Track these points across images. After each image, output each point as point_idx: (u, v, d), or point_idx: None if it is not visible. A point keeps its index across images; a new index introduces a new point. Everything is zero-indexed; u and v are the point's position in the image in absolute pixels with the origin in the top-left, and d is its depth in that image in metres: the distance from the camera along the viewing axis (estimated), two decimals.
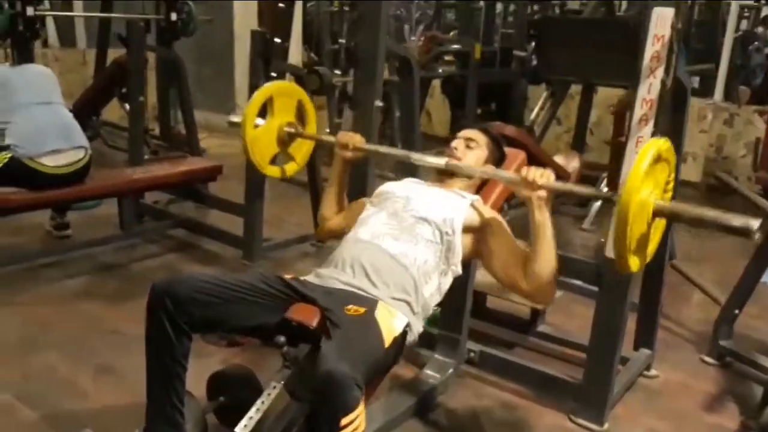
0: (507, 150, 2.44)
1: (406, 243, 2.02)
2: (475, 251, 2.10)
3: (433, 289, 2.05)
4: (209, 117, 6.35)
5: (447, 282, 2.10)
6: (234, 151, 6.36)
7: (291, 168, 2.62)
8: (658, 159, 1.72)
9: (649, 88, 2.15)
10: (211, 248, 3.90)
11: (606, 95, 6.09)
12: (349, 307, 1.84)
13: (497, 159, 2.37)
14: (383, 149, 2.47)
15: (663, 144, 1.74)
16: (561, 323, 3.08)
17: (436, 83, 6.96)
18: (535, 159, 3.33)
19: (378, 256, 2.00)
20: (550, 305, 1.99)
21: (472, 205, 2.14)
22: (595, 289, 3.08)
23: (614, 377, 2.39)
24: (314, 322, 1.86)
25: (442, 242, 2.05)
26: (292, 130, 2.51)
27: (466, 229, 2.07)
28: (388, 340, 1.81)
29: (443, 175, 2.28)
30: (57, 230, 3.92)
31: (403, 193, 2.19)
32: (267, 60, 3.58)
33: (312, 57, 6.71)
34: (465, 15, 6.52)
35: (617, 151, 3.58)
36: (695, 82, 5.76)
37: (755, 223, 1.57)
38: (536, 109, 5.15)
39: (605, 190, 4.04)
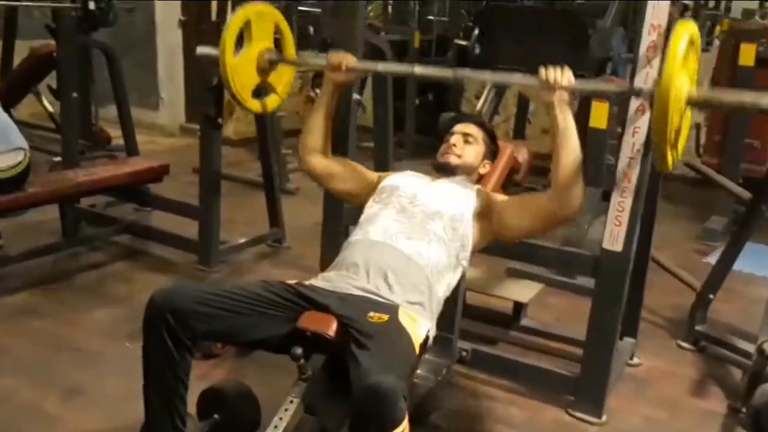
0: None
1: (419, 241, 2.01)
2: (487, 234, 2.12)
3: (445, 287, 2.06)
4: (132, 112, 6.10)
5: (456, 278, 2.10)
6: (161, 149, 6.16)
7: (273, 101, 2.51)
8: (691, 43, 1.74)
9: (645, 79, 2.19)
10: (162, 254, 3.75)
11: None
12: (372, 314, 1.80)
13: (493, 152, 2.39)
14: (381, 66, 2.40)
15: (693, 27, 1.77)
16: (539, 315, 3.14)
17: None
18: None
19: (393, 258, 1.98)
20: (578, 210, 1.98)
21: (477, 192, 2.16)
22: (566, 279, 3.19)
23: (611, 370, 2.44)
24: (331, 331, 1.82)
25: (454, 237, 2.05)
26: (274, 57, 2.41)
27: (476, 217, 2.09)
28: (416, 347, 1.79)
29: (442, 172, 2.28)
30: None
31: (409, 188, 2.17)
32: None
33: None
34: (398, 3, 6.50)
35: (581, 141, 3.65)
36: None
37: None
38: (481, 100, 5.17)
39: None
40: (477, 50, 5.24)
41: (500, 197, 2.15)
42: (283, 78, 2.50)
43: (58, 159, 4.35)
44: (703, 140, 4.85)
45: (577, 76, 5.02)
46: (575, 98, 1.97)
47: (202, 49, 2.63)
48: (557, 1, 5.67)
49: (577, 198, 1.94)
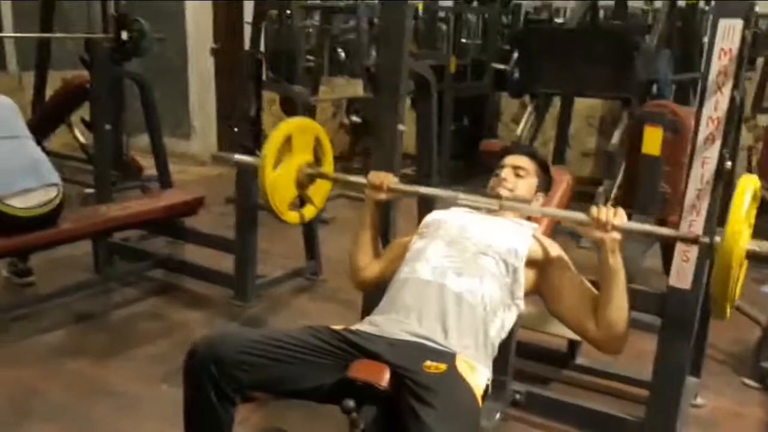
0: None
1: (471, 278, 1.90)
2: (536, 286, 2.01)
3: (498, 327, 1.94)
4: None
5: (511, 318, 1.99)
6: (192, 178, 6.14)
7: (309, 212, 2.48)
8: (753, 198, 1.72)
9: (716, 106, 2.08)
10: (197, 289, 3.68)
11: (582, 106, 6.12)
12: (428, 363, 1.69)
13: (547, 184, 2.28)
14: (423, 190, 2.35)
15: (756, 181, 1.75)
16: (593, 353, 2.99)
17: None
18: None
19: (444, 299, 1.87)
20: (620, 353, 1.91)
21: (534, 236, 2.04)
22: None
23: (680, 414, 2.30)
24: (384, 382, 1.71)
25: (507, 274, 1.94)
26: (313, 171, 2.37)
27: (529, 262, 1.97)
28: (478, 399, 1.68)
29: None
30: (18, 277, 3.63)
31: (457, 221, 2.08)
32: (258, 81, 3.41)
33: (270, 75, 6.54)
34: (429, 27, 6.45)
35: (632, 167, 3.53)
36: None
37: None
38: (522, 124, 5.10)
39: (609, 204, 4.02)
40: (516, 74, 5.21)
41: (559, 261, 2.00)
42: (320, 190, 2.45)
43: (90, 191, 4.34)
44: (755, 161, 4.69)
45: (621, 98, 4.91)
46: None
47: (240, 158, 2.60)
48: (599, 21, 5.58)
49: (621, 341, 1.88)
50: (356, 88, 6.93)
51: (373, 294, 2.68)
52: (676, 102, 4.35)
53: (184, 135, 6.69)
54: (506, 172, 2.20)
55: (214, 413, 1.74)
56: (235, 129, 5.11)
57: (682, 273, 2.21)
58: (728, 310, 1.75)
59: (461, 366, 1.72)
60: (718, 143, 2.11)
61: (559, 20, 7.08)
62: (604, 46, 4.65)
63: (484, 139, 6.39)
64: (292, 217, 2.40)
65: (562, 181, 2.47)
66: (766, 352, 2.87)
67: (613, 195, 4.59)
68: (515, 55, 5.15)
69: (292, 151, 2.32)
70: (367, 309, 2.71)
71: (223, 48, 6.41)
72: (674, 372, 2.27)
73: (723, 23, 2.08)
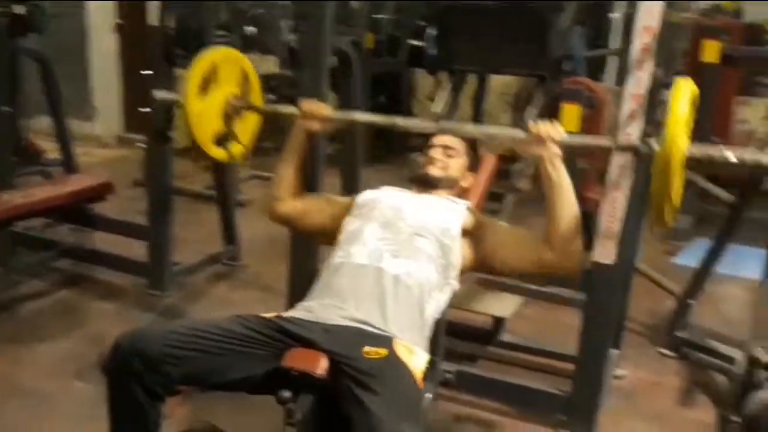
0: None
1: (407, 260, 1.89)
2: (475, 259, 2.01)
3: (434, 308, 1.95)
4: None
5: (444, 299, 2.00)
6: (97, 161, 5.88)
7: (236, 149, 2.39)
8: (692, 103, 1.74)
9: (638, 82, 2.12)
10: (109, 279, 3.53)
11: (496, 83, 6.20)
12: (367, 349, 1.67)
13: (475, 163, 2.30)
14: (360, 116, 2.31)
15: (693, 85, 1.76)
16: (517, 329, 3.06)
17: None
18: None
19: (381, 282, 1.85)
20: (578, 269, 1.92)
21: (468, 209, 2.05)
22: (540, 289, 3.10)
23: (605, 387, 2.37)
24: (320, 370, 1.68)
25: (443, 255, 1.94)
26: (241, 103, 2.29)
27: (465, 235, 1.99)
28: (419, 382, 1.67)
29: (423, 185, 2.17)
30: None
31: (391, 201, 2.06)
32: (169, 59, 3.26)
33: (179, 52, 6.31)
34: (343, 2, 6.37)
35: None
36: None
37: None
38: (441, 101, 5.10)
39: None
40: (433, 51, 5.20)
41: (495, 224, 2.05)
42: (248, 126, 2.39)
43: None
44: None
45: (536, 75, 4.99)
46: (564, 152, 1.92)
47: (160, 94, 2.49)
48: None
49: (576, 254, 1.89)
50: (269, 64, 6.79)
51: (301, 279, 2.65)
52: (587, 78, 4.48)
53: (86, 116, 6.38)
54: (436, 151, 2.19)
55: (140, 410, 1.67)
56: (145, 110, 4.97)
57: (606, 248, 2.27)
58: (670, 218, 1.77)
59: (400, 350, 1.71)
60: (640, 119, 2.16)
61: None
62: (519, 23, 4.69)
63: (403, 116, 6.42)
64: (218, 153, 2.32)
65: (488, 160, 2.48)
66: (680, 322, 2.99)
67: (530, 172, 4.67)
68: (432, 31, 5.13)
69: (218, 83, 2.24)
70: (295, 293, 2.67)
71: (127, 24, 6.16)
72: (598, 346, 2.33)
73: (644, 4, 2.13)
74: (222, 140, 2.34)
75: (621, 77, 2.19)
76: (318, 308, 1.86)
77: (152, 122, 3.31)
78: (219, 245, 3.82)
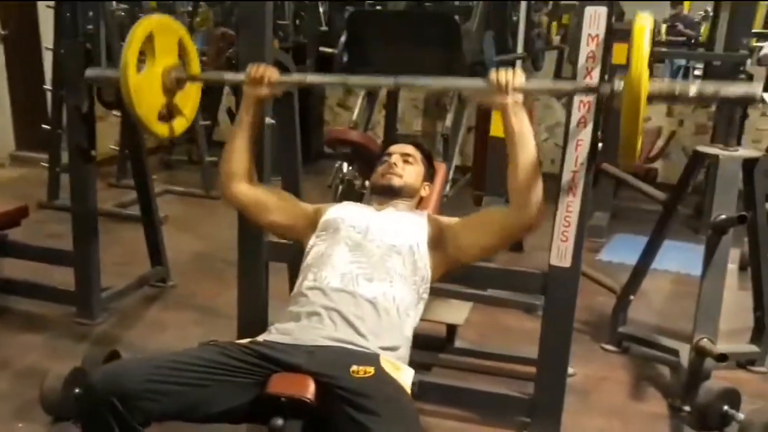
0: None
1: (381, 282, 1.91)
2: (443, 262, 2.04)
3: (411, 325, 1.99)
4: None
5: (419, 313, 2.04)
6: None
7: (179, 124, 2.34)
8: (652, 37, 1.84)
9: (595, 21, 2.20)
10: (31, 309, 3.34)
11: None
12: (354, 368, 1.68)
13: (431, 173, 2.34)
14: (311, 77, 2.29)
15: (651, 20, 1.84)
16: (463, 333, 3.11)
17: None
18: None
19: (358, 305, 1.86)
20: (537, 223, 1.95)
21: (428, 218, 2.10)
22: (476, 292, 3.15)
23: (566, 388, 2.46)
24: (309, 394, 1.69)
25: (415, 271, 1.97)
26: (181, 75, 2.23)
27: (431, 245, 2.03)
28: (410, 397, 1.70)
29: (385, 195, 2.19)
30: None
31: (357, 221, 2.06)
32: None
33: None
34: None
35: (480, 151, 3.69)
36: None
37: (758, 89, 1.78)
38: (357, 109, 5.12)
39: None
40: (345, 58, 5.22)
41: (451, 220, 2.09)
42: (190, 99, 2.35)
43: None
44: None
45: None
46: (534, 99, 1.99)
47: (92, 71, 2.39)
48: (424, 2, 5.74)
49: (537, 202, 1.92)
50: None
51: (251, 302, 2.62)
52: None
53: None
54: (396, 159, 2.22)
55: None
56: (47, 127, 4.74)
57: (562, 252, 2.36)
58: (635, 156, 1.87)
59: (387, 366, 1.73)
60: (590, 126, 2.27)
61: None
62: (431, 29, 4.79)
63: (311, 125, 6.41)
64: (161, 128, 2.25)
65: (440, 169, 2.54)
66: (621, 317, 3.14)
67: (450, 177, 4.77)
68: (343, 38, 5.16)
69: (155, 54, 2.16)
70: (247, 317, 2.64)
71: (15, 34, 5.85)
72: (560, 348, 2.43)
73: (589, 10, 2.22)
74: (164, 115, 2.28)
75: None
76: (296, 330, 1.85)
77: (71, 138, 3.15)
78: (144, 266, 3.69)
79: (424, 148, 2.34)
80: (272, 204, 2.15)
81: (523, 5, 6.14)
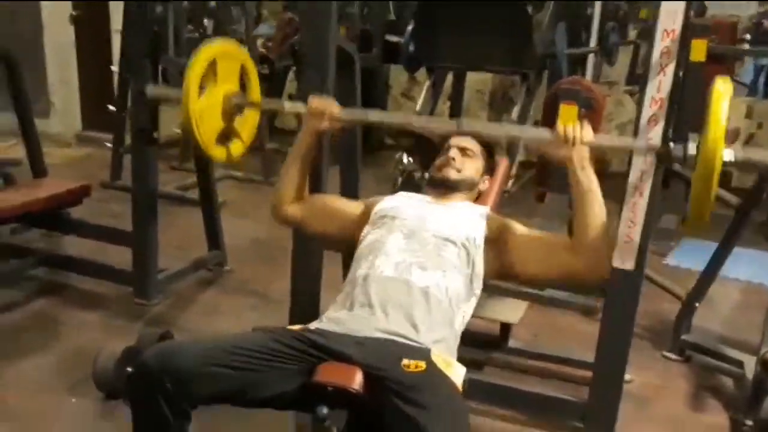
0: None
1: (434, 272, 1.92)
2: (497, 267, 2.04)
3: (461, 320, 1.99)
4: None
5: (471, 309, 2.04)
6: (58, 162, 5.74)
7: (236, 148, 2.39)
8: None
9: (659, 86, 2.18)
10: (89, 287, 3.46)
11: (472, 80, 6.25)
12: (406, 362, 1.69)
13: (491, 168, 2.33)
14: (373, 115, 2.32)
15: (730, 85, 1.80)
16: (517, 333, 3.09)
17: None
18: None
19: (411, 294, 1.87)
20: (605, 274, 1.99)
21: (487, 215, 2.09)
22: (535, 291, 3.12)
23: (621, 395, 2.42)
24: (356, 384, 1.70)
25: (468, 265, 1.97)
26: (241, 101, 2.28)
27: (487, 243, 2.02)
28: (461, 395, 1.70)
29: (442, 189, 2.19)
30: None
31: (412, 210, 2.07)
32: (155, 58, 3.20)
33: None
34: None
35: None
36: None
37: None
38: (421, 99, 5.13)
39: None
40: (412, 47, 5.22)
41: (517, 228, 2.06)
42: (248, 123, 2.38)
43: None
44: None
45: (520, 72, 5.05)
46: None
47: (156, 90, 2.46)
48: None
49: (605, 261, 1.94)
50: None
51: (303, 289, 2.65)
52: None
53: (42, 113, 6.22)
54: (454, 152, 2.21)
55: (167, 429, 1.65)
56: (112, 108, 4.88)
57: (626, 254, 2.32)
58: (707, 220, 1.84)
59: (439, 362, 1.74)
60: (661, 123, 2.22)
61: None
62: (502, 19, 4.75)
63: None
64: (219, 152, 2.31)
65: (501, 164, 2.52)
66: (685, 325, 3.07)
67: (513, 172, 4.73)
68: (410, 27, 5.16)
69: (217, 79, 2.22)
70: (299, 304, 2.67)
71: (85, 15, 6.02)
72: (618, 353, 2.39)
73: (666, 6, 2.18)
74: (223, 139, 2.33)
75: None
76: (347, 319, 1.87)
77: (134, 121, 3.25)
78: (201, 250, 3.78)
79: (485, 141, 2.32)
80: (322, 214, 2.22)
81: None
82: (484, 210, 2.13)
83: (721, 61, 4.68)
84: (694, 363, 3.06)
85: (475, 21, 4.73)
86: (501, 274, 2.08)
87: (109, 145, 5.06)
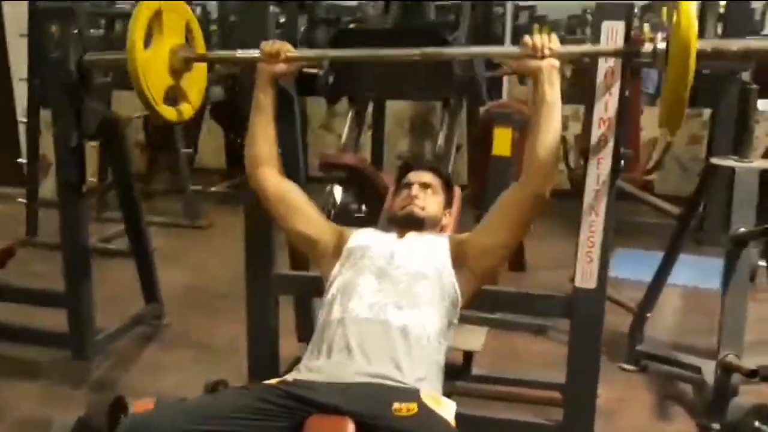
0: None
1: (410, 310, 1.90)
2: (471, 281, 2.04)
3: (443, 353, 1.98)
4: None
5: (450, 339, 2.03)
6: None
7: (186, 110, 2.29)
8: None
9: (606, 107, 2.24)
10: (18, 354, 3.25)
11: (392, 108, 6.30)
12: (397, 406, 1.66)
13: (450, 200, 2.33)
14: (331, 53, 2.27)
15: None
16: (481, 360, 3.10)
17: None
18: (374, 185, 3.40)
19: (389, 334, 1.85)
20: (550, 189, 1.99)
21: (449, 239, 2.11)
22: (486, 315, 3.15)
23: (594, 412, 2.45)
24: None
25: (443, 297, 1.96)
26: (190, 54, 2.19)
27: (455, 266, 2.02)
28: None
29: (407, 227, 2.16)
30: None
31: (380, 248, 2.04)
32: (79, 103, 3.05)
33: None
34: (224, 28, 6.28)
35: (480, 169, 3.71)
36: None
37: None
38: (346, 130, 5.12)
39: None
40: (330, 78, 5.21)
41: (468, 233, 2.11)
42: (196, 83, 2.29)
43: None
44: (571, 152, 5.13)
45: (440, 99, 5.11)
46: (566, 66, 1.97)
47: (92, 55, 2.34)
48: (411, 20, 5.75)
49: (554, 173, 1.96)
50: None
51: (260, 343, 2.59)
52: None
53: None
54: (416, 189, 2.19)
55: None
56: (23, 161, 4.67)
57: (587, 273, 2.36)
58: (682, 117, 1.85)
59: (429, 401, 1.72)
60: (611, 143, 2.28)
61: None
62: (420, 46, 4.80)
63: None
64: (169, 112, 2.21)
65: (457, 194, 2.52)
66: (639, 336, 3.15)
67: None
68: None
69: (163, 32, 2.12)
70: (258, 353, 2.61)
71: None
72: (588, 372, 2.43)
73: (606, 25, 2.24)
74: (171, 101, 2.24)
75: None
76: (327, 367, 1.83)
77: (61, 172, 3.10)
78: (136, 304, 3.63)
79: (442, 173, 2.32)
80: (301, 210, 2.14)
81: (508, 15, 6.23)
82: (444, 236, 2.14)
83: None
84: (651, 372, 3.13)
85: (392, 47, 4.77)
86: (482, 283, 2.10)
87: (22, 200, 4.83)
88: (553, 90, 1.91)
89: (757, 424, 2.52)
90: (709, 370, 2.86)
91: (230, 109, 6.10)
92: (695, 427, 2.73)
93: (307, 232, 2.12)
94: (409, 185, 2.22)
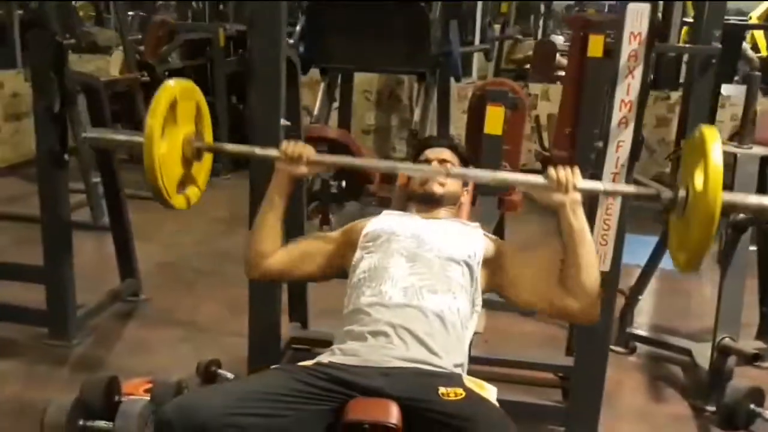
0: None
1: (445, 294, 1.89)
2: (490, 284, 2.02)
3: (470, 338, 1.98)
4: None
5: (474, 326, 2.02)
6: None
7: (194, 194, 2.17)
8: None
9: (628, 89, 2.27)
10: None
11: (358, 80, 6.26)
12: (443, 390, 1.66)
13: None
14: (356, 161, 2.24)
15: (717, 133, 1.77)
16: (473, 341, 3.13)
17: None
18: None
19: (426, 320, 1.84)
20: (597, 320, 1.99)
21: (485, 236, 2.08)
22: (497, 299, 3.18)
23: (603, 396, 2.51)
24: (394, 419, 1.66)
25: (472, 283, 1.96)
26: (202, 144, 2.11)
27: (484, 262, 2.00)
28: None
29: (428, 204, 2.16)
30: None
31: (406, 230, 2.02)
32: (59, 70, 2.95)
33: None
34: None
35: (471, 148, 3.71)
36: None
37: None
38: (318, 103, 5.07)
39: None
40: (302, 49, 5.14)
41: (512, 251, 2.06)
42: (203, 167, 2.18)
43: None
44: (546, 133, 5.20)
45: (416, 72, 5.12)
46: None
47: (94, 132, 2.24)
48: None
49: (598, 304, 1.91)
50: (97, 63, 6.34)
51: (263, 320, 2.56)
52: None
53: None
54: (434, 166, 2.19)
55: None
56: None
57: (601, 256, 2.40)
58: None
59: (471, 385, 1.73)
60: (631, 126, 2.32)
61: None
62: (396, 19, 4.78)
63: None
64: (180, 201, 2.09)
65: None
66: (630, 318, 3.23)
67: None
68: (298, 27, 5.07)
69: (177, 122, 2.02)
70: (259, 335, 2.58)
71: None
72: (597, 354, 2.48)
73: (631, 7, 2.27)
74: (181, 187, 2.17)
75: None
76: (364, 350, 1.81)
77: (40, 141, 2.99)
78: (111, 279, 3.55)
79: (461, 151, 2.31)
80: (309, 255, 2.10)
81: None
82: (477, 228, 2.12)
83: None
84: (641, 354, 3.22)
85: (373, 20, 4.73)
86: (492, 291, 2.09)
87: None
88: (578, 220, 1.87)
89: (752, 406, 2.62)
90: (700, 352, 2.97)
91: (200, 79, 5.98)
92: (690, 410, 2.81)
93: (325, 262, 2.10)
94: (428, 162, 2.21)
